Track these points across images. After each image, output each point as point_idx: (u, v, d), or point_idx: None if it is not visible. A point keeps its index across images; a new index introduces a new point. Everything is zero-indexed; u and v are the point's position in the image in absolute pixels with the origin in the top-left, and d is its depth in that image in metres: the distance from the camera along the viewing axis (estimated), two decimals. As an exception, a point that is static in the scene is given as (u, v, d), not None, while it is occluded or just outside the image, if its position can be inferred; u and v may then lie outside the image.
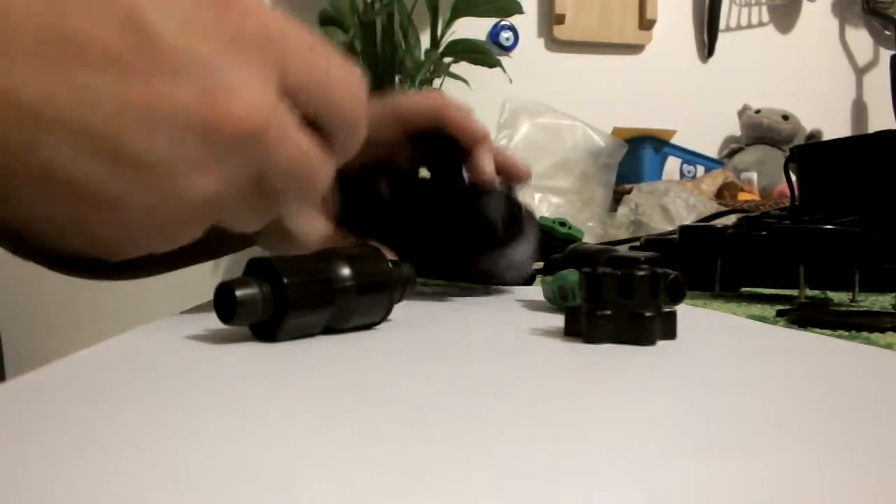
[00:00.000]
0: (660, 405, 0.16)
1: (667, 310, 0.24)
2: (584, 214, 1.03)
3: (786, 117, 1.40)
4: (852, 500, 0.10)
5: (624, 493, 0.10)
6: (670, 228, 0.80)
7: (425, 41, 1.22)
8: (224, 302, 0.22)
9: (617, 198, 1.03)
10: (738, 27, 1.54)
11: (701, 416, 0.15)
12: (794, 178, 0.59)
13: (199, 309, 0.32)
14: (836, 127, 1.48)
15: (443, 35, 1.20)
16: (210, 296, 0.23)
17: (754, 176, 1.28)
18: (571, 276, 0.31)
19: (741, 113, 1.46)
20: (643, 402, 0.16)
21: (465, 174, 0.33)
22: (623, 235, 0.87)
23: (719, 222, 0.59)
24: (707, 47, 1.50)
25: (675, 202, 0.87)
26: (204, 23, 0.20)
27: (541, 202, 1.04)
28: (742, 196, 1.13)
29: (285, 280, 0.22)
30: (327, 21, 1.19)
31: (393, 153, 0.39)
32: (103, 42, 0.18)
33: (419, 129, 0.37)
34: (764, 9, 1.55)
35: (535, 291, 0.41)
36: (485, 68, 1.08)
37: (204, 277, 1.20)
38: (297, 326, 0.23)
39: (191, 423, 0.14)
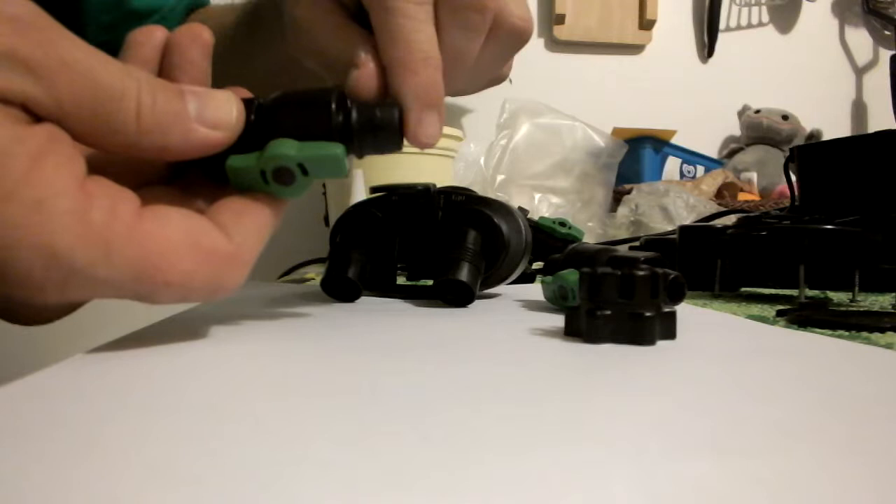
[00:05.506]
0: (660, 405, 0.16)
1: (667, 310, 0.24)
2: (584, 214, 1.03)
3: (786, 117, 1.40)
4: (852, 500, 0.10)
5: (624, 493, 0.10)
6: (670, 228, 0.80)
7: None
8: None
9: (617, 198, 1.03)
10: (738, 27, 1.54)
11: (701, 416, 0.15)
12: (793, 178, 0.59)
13: (197, 310, 0.32)
14: (836, 127, 1.48)
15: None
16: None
17: (754, 176, 1.27)
18: (571, 276, 0.31)
19: (741, 113, 1.46)
20: (643, 402, 0.16)
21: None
22: (623, 235, 0.87)
23: (719, 222, 0.59)
24: (707, 47, 1.50)
25: (675, 202, 0.87)
26: None
27: (541, 202, 1.04)
28: (742, 196, 1.13)
29: None
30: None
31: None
32: None
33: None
34: (764, 9, 1.55)
35: (535, 291, 0.41)
36: (485, 68, 1.09)
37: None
38: None
39: (190, 425, 0.14)
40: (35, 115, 0.18)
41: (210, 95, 0.22)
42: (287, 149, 0.23)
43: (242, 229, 0.22)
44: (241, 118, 0.23)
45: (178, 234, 0.20)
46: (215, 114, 0.22)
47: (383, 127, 0.25)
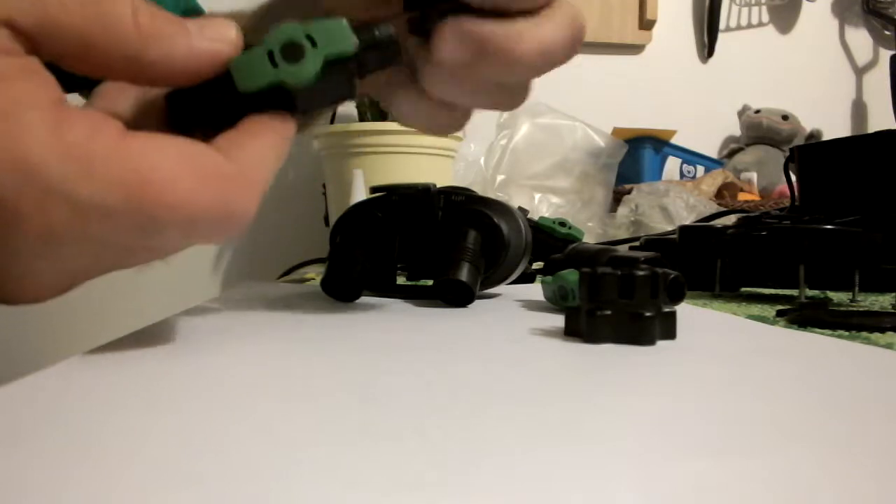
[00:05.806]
0: (660, 405, 0.16)
1: (667, 310, 0.24)
2: (584, 214, 1.03)
3: (786, 117, 1.39)
4: (852, 500, 0.10)
5: (624, 493, 0.10)
6: (670, 228, 0.80)
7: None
8: None
9: (617, 198, 1.03)
10: (738, 27, 1.54)
11: (701, 416, 0.15)
12: (793, 178, 0.59)
13: (197, 310, 0.32)
14: (835, 127, 1.48)
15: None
16: (207, 297, 0.23)
17: (754, 176, 1.27)
18: (571, 276, 0.31)
19: (741, 113, 1.46)
20: (643, 402, 0.16)
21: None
22: (623, 235, 0.87)
23: (719, 222, 0.59)
24: (707, 47, 1.50)
25: (675, 202, 0.87)
26: None
27: (541, 202, 1.04)
28: (742, 196, 1.13)
29: None
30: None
31: None
32: None
33: None
34: (764, 9, 1.55)
35: (536, 291, 0.41)
36: (485, 68, 1.09)
37: (202, 278, 1.20)
38: None
39: (191, 425, 0.14)
40: (25, 37, 0.18)
41: (207, 20, 0.22)
42: (293, 24, 0.23)
43: (246, 151, 0.21)
44: (241, 36, 0.22)
45: (169, 152, 0.19)
46: (216, 31, 0.21)
47: (383, 41, 0.26)
